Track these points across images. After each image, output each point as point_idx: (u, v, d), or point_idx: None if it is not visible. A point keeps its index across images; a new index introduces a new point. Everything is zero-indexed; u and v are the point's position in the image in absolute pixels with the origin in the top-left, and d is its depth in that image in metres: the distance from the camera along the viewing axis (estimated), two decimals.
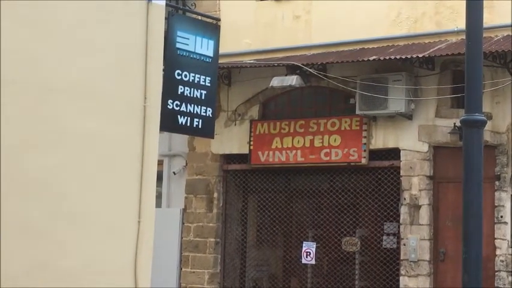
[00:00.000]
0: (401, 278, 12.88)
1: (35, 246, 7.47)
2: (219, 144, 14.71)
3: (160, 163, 12.92)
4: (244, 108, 14.76)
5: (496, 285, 12.01)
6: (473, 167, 6.51)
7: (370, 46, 13.32)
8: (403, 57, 12.00)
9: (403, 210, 12.93)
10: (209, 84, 12.52)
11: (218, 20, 14.44)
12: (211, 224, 14.83)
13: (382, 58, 12.17)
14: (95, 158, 8.04)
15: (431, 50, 12.13)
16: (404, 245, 12.85)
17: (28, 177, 7.51)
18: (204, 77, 12.41)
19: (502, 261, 12.03)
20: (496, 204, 12.13)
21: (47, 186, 7.64)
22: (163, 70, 10.76)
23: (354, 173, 13.78)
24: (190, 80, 12.24)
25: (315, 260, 13.55)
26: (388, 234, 13.44)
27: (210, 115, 12.55)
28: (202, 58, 12.46)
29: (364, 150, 13.35)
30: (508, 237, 12.02)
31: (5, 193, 7.30)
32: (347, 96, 13.68)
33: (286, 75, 13.39)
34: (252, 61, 14.06)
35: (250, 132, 14.54)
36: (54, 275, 7.53)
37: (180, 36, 12.19)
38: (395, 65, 12.73)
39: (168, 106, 11.94)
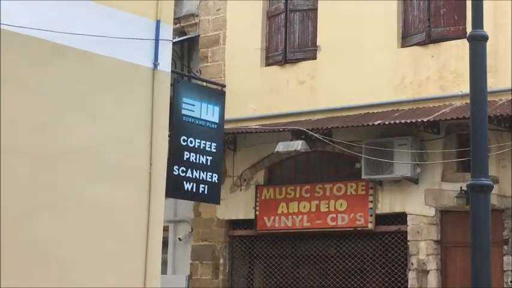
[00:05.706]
0: None
1: None
2: (224, 209, 14.66)
3: (165, 229, 12.82)
4: (249, 173, 14.75)
5: None
6: (481, 232, 6.46)
7: (375, 110, 13.34)
8: (408, 121, 12.02)
9: (411, 276, 12.80)
10: (215, 150, 12.54)
11: (223, 86, 14.51)
12: None
13: (387, 122, 12.20)
14: (101, 225, 8.02)
15: (436, 114, 12.15)
16: None
17: (34, 245, 7.48)
18: (209, 143, 12.45)
19: None
20: (504, 269, 12.01)
21: (52, 254, 7.61)
22: (169, 136, 10.80)
23: (360, 238, 13.69)
24: (196, 146, 12.27)
25: None
26: None
27: (216, 181, 12.55)
28: (207, 124, 12.52)
29: (371, 215, 13.29)
30: None
31: (10, 262, 7.25)
32: (353, 161, 13.66)
33: (291, 140, 13.41)
34: (257, 126, 14.09)
35: (256, 197, 14.50)
36: None
37: (185, 103, 12.27)
38: (401, 129, 12.74)
39: (174, 172, 11.95)
